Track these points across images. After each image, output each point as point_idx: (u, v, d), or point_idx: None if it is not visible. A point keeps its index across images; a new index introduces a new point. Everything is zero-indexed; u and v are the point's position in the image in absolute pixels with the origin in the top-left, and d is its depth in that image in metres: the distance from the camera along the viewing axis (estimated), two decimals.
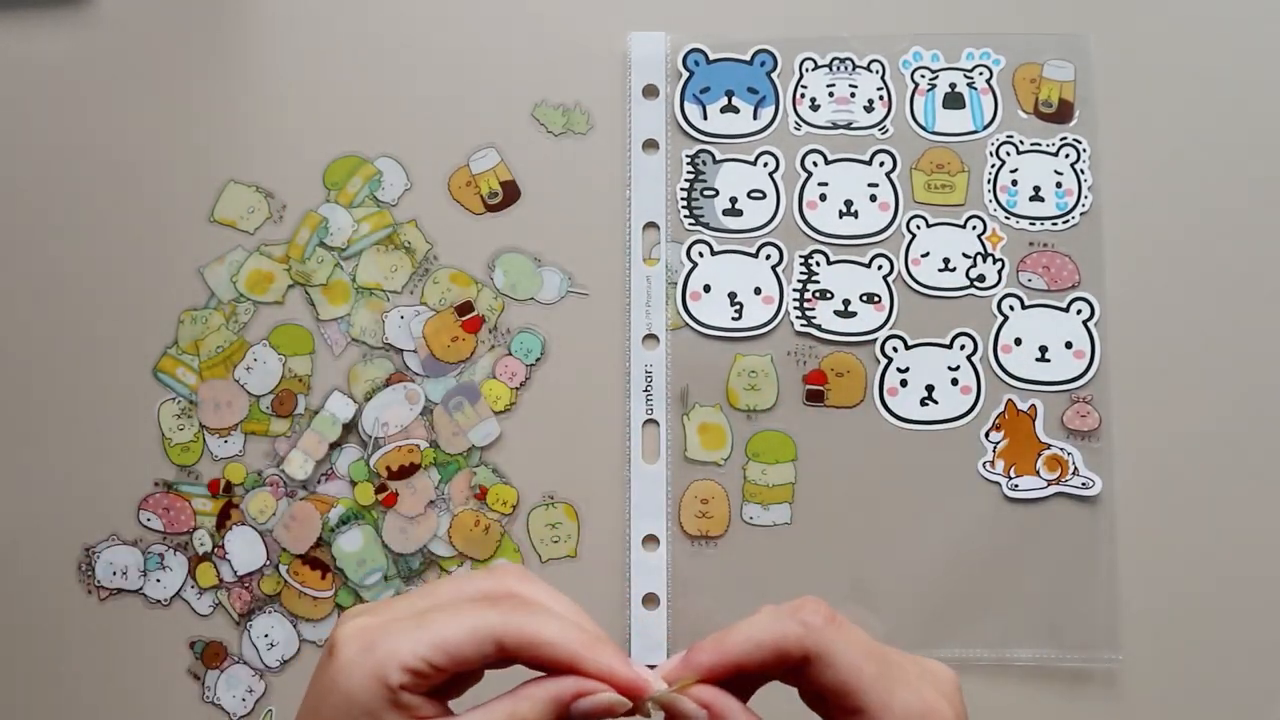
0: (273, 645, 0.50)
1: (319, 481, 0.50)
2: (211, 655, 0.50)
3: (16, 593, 0.50)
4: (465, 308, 0.51)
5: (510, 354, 0.51)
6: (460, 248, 0.52)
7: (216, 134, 0.52)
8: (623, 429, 0.50)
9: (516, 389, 0.51)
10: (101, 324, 0.51)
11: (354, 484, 0.50)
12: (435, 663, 0.34)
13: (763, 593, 0.49)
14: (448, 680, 0.36)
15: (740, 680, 0.37)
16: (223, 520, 0.50)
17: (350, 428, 0.50)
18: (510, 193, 0.52)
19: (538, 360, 0.51)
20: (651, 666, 0.36)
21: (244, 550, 0.50)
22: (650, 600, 0.49)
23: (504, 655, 0.35)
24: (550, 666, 0.35)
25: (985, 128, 0.52)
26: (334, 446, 0.50)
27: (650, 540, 0.50)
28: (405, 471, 0.50)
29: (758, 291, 0.51)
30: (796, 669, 0.35)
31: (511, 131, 0.52)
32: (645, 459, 0.50)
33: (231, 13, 0.53)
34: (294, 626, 0.50)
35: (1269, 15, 0.53)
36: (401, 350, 0.51)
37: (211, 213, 0.52)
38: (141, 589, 0.50)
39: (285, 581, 0.50)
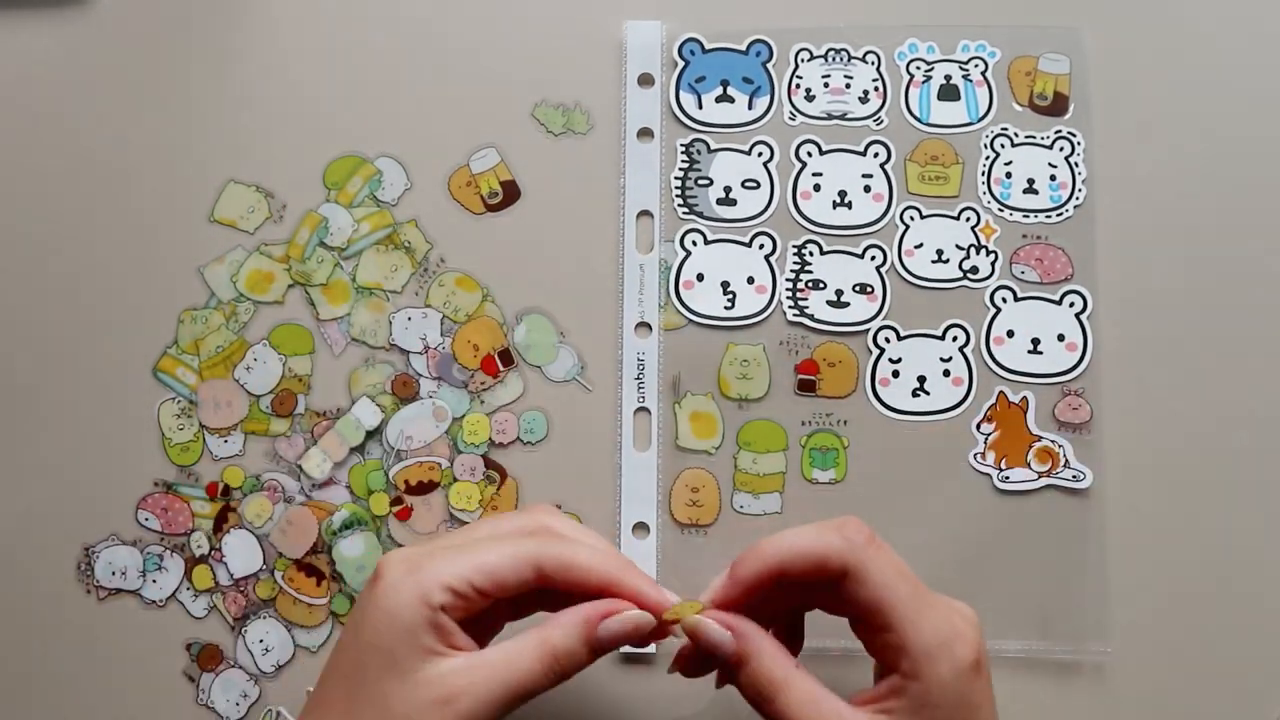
0: (268, 650, 0.50)
1: (316, 488, 0.50)
2: (208, 658, 0.50)
3: (16, 592, 0.50)
4: (506, 356, 0.51)
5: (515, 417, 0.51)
6: (460, 248, 0.52)
7: (216, 134, 0.52)
8: (614, 417, 0.50)
9: (504, 445, 0.51)
10: (101, 324, 0.51)
11: (353, 492, 0.50)
12: (477, 585, 0.36)
13: None
14: (484, 611, 0.37)
15: (771, 603, 0.38)
16: (220, 523, 0.50)
17: (372, 435, 0.50)
18: (510, 193, 0.52)
19: (539, 441, 0.51)
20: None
21: (241, 554, 0.50)
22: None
23: (542, 581, 0.37)
24: (584, 590, 0.37)
25: (980, 120, 0.52)
26: (354, 451, 0.50)
27: (640, 528, 0.50)
28: (424, 488, 0.50)
29: (751, 281, 0.51)
30: (832, 585, 0.36)
31: (511, 131, 0.52)
32: (637, 447, 0.50)
33: (231, 13, 0.53)
34: (289, 632, 0.50)
35: (1265, 9, 0.53)
36: (408, 352, 0.51)
37: (211, 212, 0.52)
38: (139, 590, 0.50)
39: (280, 587, 0.50)
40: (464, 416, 0.51)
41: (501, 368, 0.51)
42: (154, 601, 0.50)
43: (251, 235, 0.52)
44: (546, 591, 0.37)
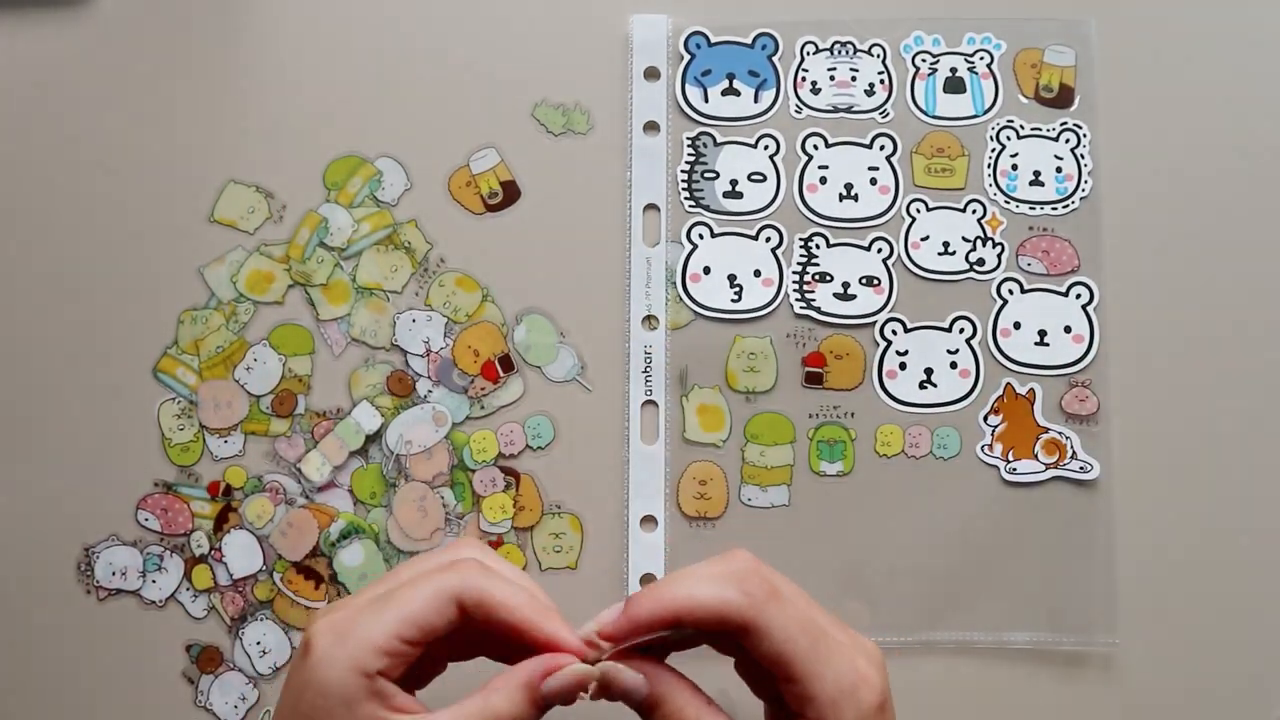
0: (265, 653, 0.50)
1: (316, 491, 0.50)
2: (207, 660, 0.50)
3: (16, 593, 0.50)
4: (506, 362, 0.51)
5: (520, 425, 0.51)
6: (460, 248, 0.52)
7: (216, 134, 0.52)
8: (621, 410, 0.50)
9: (514, 455, 0.51)
10: (101, 324, 0.51)
11: (354, 495, 0.50)
12: (406, 637, 0.35)
13: None
14: (419, 660, 0.36)
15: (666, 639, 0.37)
16: (221, 523, 0.50)
17: (372, 439, 0.50)
18: (510, 193, 0.52)
19: (545, 445, 0.50)
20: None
21: (241, 554, 0.50)
22: (648, 580, 0.49)
23: (463, 616, 0.36)
24: (501, 628, 0.36)
25: (986, 112, 0.52)
26: (353, 455, 0.50)
27: (648, 521, 0.50)
28: None
29: (757, 274, 0.51)
30: (731, 635, 0.36)
31: (511, 131, 0.52)
32: (644, 440, 0.50)
33: (231, 13, 0.53)
34: (286, 635, 0.50)
35: (1270, 3, 0.53)
36: (407, 352, 0.51)
37: (211, 213, 0.52)
38: (139, 590, 0.50)
39: (279, 590, 0.50)
40: (464, 423, 0.50)
41: (502, 373, 0.51)
42: (154, 602, 0.50)
43: (251, 235, 0.52)
44: (479, 631, 0.36)
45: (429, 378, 0.51)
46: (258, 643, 0.50)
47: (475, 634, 0.37)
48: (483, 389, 0.51)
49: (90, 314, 0.51)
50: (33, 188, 0.52)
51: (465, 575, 0.36)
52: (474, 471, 0.50)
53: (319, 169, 0.52)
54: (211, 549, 0.50)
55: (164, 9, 0.53)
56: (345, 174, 0.52)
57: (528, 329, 0.51)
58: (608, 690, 0.37)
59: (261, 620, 0.50)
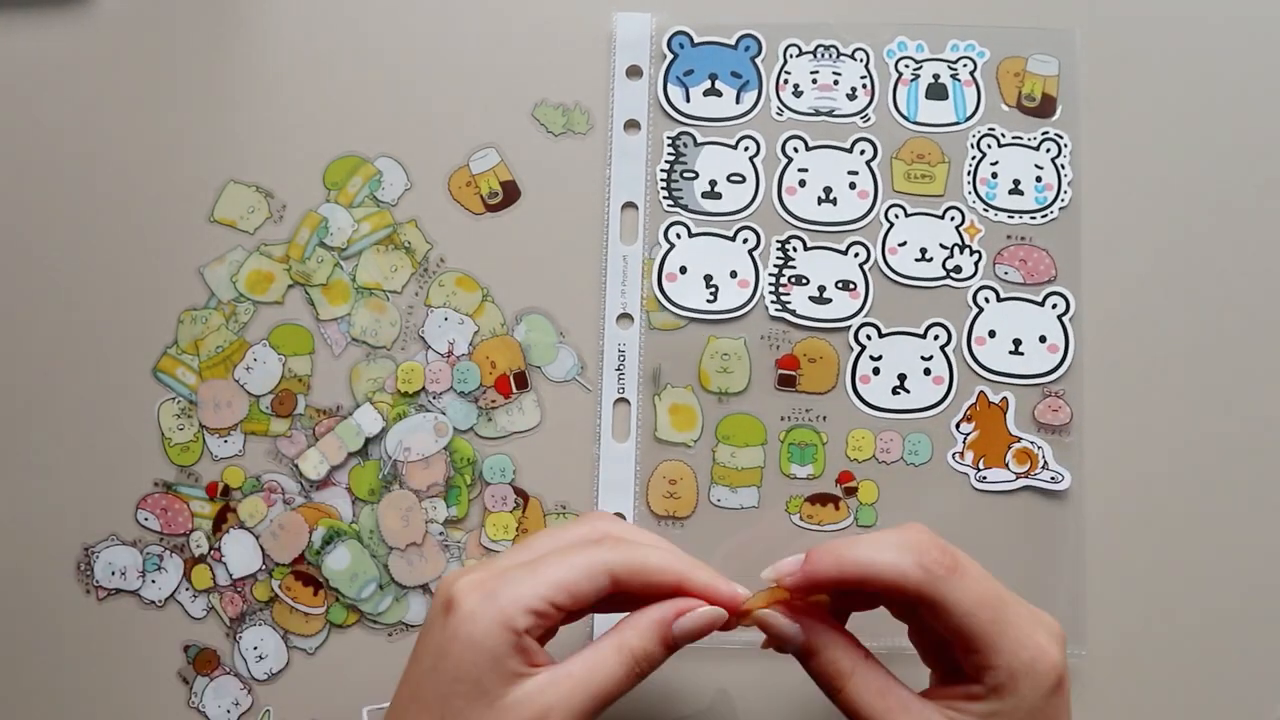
0: (262, 658, 0.50)
1: (314, 488, 0.50)
2: (204, 662, 0.50)
3: (16, 593, 0.50)
4: (521, 379, 0.51)
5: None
6: (460, 248, 0.52)
7: (216, 134, 0.52)
8: (594, 407, 0.50)
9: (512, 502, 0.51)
10: (102, 323, 0.52)
11: (352, 493, 0.50)
12: (558, 602, 0.36)
13: (729, 575, 0.49)
14: (558, 624, 0.38)
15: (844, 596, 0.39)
16: (220, 523, 0.50)
17: (373, 440, 0.51)
18: (510, 193, 0.52)
19: (530, 429, 0.51)
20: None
21: (240, 554, 0.50)
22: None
23: (617, 588, 0.37)
24: (658, 592, 0.38)
25: (967, 119, 0.52)
26: (352, 455, 0.50)
27: (617, 518, 0.50)
28: None
29: (734, 275, 0.51)
30: (908, 604, 0.37)
31: (511, 131, 0.52)
32: (615, 438, 0.50)
33: (231, 12, 0.53)
34: (283, 640, 0.50)
35: (1256, 17, 0.53)
36: (430, 348, 0.51)
37: (211, 213, 0.52)
38: (139, 590, 0.50)
39: (278, 595, 0.50)
40: (468, 432, 0.50)
41: (515, 389, 0.51)
42: (153, 602, 0.50)
43: (251, 235, 0.52)
44: (621, 595, 0.38)
45: (441, 380, 0.51)
46: (255, 647, 0.50)
47: (613, 601, 0.38)
48: (493, 401, 0.50)
49: (90, 314, 0.52)
50: (32, 187, 0.52)
51: (617, 550, 0.38)
52: (489, 485, 0.50)
53: (319, 169, 0.52)
54: (211, 549, 0.50)
55: (164, 9, 0.53)
56: (345, 174, 0.52)
57: (528, 329, 0.51)
58: (766, 634, 0.38)
59: (260, 625, 0.50)
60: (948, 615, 0.36)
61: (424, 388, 0.51)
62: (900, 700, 0.37)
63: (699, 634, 0.38)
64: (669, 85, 0.52)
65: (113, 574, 0.50)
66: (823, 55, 0.52)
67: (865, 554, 0.36)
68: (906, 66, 0.52)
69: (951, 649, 0.38)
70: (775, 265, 0.51)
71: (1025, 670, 0.36)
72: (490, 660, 0.35)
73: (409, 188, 0.52)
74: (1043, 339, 0.50)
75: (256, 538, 0.50)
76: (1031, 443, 0.50)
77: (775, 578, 0.38)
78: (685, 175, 0.52)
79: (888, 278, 0.51)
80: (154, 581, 0.50)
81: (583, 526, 0.40)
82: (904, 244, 0.51)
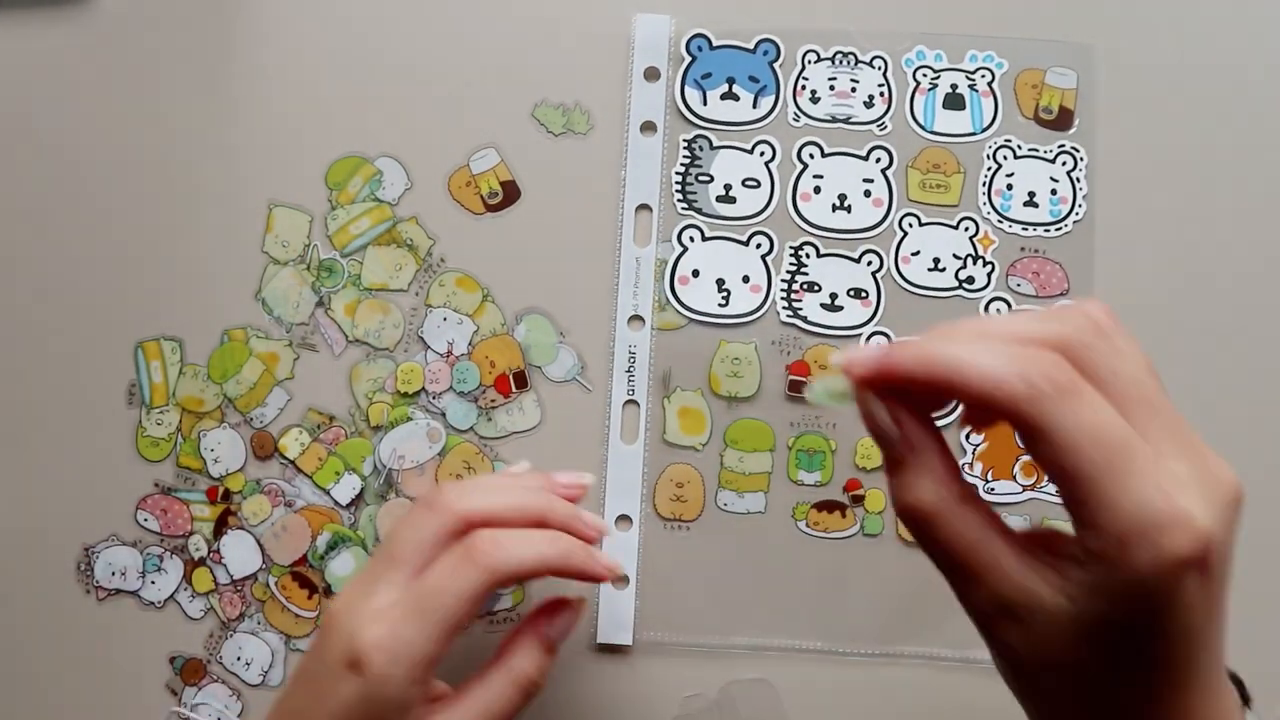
0: (249, 664, 0.50)
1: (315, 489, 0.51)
2: (190, 672, 0.50)
3: (16, 592, 0.50)
4: (521, 378, 0.51)
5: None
6: (461, 248, 0.52)
7: (216, 134, 0.52)
8: (603, 408, 0.50)
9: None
10: (103, 323, 0.52)
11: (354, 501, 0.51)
12: (449, 640, 0.38)
13: (733, 579, 0.49)
14: None
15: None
16: (220, 528, 0.50)
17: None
18: (510, 193, 0.52)
19: (531, 429, 0.51)
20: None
21: (240, 554, 0.50)
22: (620, 579, 0.49)
23: (495, 588, 0.39)
24: (532, 575, 0.40)
25: (984, 130, 0.52)
26: (349, 473, 0.51)
27: (624, 520, 0.50)
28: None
29: (746, 280, 0.51)
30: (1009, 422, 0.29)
31: (511, 131, 0.52)
32: (624, 439, 0.50)
33: (231, 13, 0.53)
34: (278, 642, 0.50)
35: (1274, 34, 0.53)
36: (429, 348, 0.51)
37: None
38: (139, 590, 0.50)
39: (272, 593, 0.50)
40: (467, 431, 0.50)
41: (515, 389, 0.51)
42: (152, 603, 0.50)
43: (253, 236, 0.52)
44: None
45: (441, 380, 0.51)
46: (238, 657, 0.50)
47: None
48: (492, 401, 0.51)
49: (92, 314, 0.52)
50: (32, 187, 0.52)
51: (487, 556, 0.39)
52: None
53: (319, 169, 0.52)
54: (210, 551, 0.50)
55: (164, 9, 0.53)
56: (346, 174, 0.52)
57: (528, 329, 0.51)
58: (866, 419, 0.32)
59: (252, 631, 0.50)
60: (1052, 448, 0.28)
61: (423, 388, 0.51)
62: (991, 554, 0.30)
63: (572, 628, 0.43)
64: (686, 88, 0.52)
65: (113, 574, 0.50)
66: (841, 62, 0.52)
67: (956, 354, 0.29)
68: (924, 76, 0.52)
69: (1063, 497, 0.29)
70: (788, 271, 0.51)
71: (1142, 535, 0.27)
72: (398, 713, 0.38)
73: (409, 187, 0.52)
74: None
75: (257, 539, 0.50)
76: None
77: (845, 364, 0.31)
78: (700, 179, 0.52)
79: (900, 287, 0.51)
80: (154, 583, 0.50)
81: (434, 520, 0.40)
82: (917, 253, 0.51)
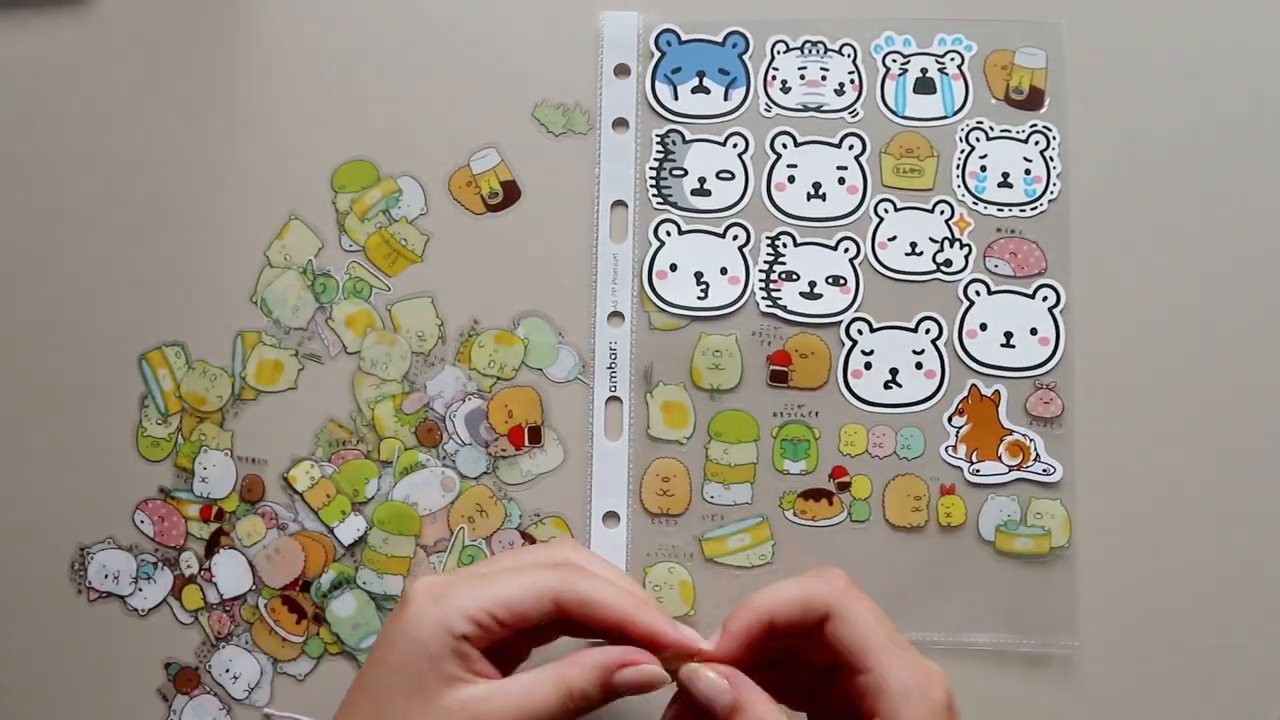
0: (236, 678, 0.50)
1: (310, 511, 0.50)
2: (184, 680, 0.50)
3: (10, 590, 0.50)
4: (535, 433, 0.50)
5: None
6: (461, 248, 0.52)
7: (217, 134, 0.52)
8: (586, 406, 0.50)
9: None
10: (105, 324, 0.52)
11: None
12: (497, 616, 0.37)
13: (722, 570, 0.49)
14: (506, 640, 0.39)
15: (758, 655, 0.39)
16: (212, 546, 0.50)
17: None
18: (510, 193, 0.52)
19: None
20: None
21: (231, 574, 0.50)
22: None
23: (560, 614, 0.38)
24: (601, 626, 0.38)
25: (955, 113, 0.52)
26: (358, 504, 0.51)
27: (611, 517, 0.50)
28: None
29: (724, 272, 0.51)
30: (816, 629, 0.39)
31: (511, 131, 0.52)
32: (608, 436, 0.50)
33: (230, 13, 0.53)
34: (265, 662, 0.50)
35: (1243, 8, 0.53)
36: (438, 394, 0.51)
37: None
38: (128, 596, 0.50)
39: (260, 614, 0.50)
40: (478, 479, 0.50)
41: (528, 443, 0.50)
42: (136, 609, 0.50)
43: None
44: (568, 621, 0.39)
45: (456, 429, 0.50)
46: (229, 670, 0.50)
47: (564, 626, 0.39)
48: (503, 450, 0.50)
49: (93, 314, 0.52)
50: (32, 188, 0.52)
51: (566, 577, 0.38)
52: (497, 530, 0.50)
53: (321, 170, 0.52)
54: (201, 569, 0.50)
55: (164, 9, 0.53)
56: (352, 177, 0.52)
57: (527, 330, 0.51)
58: (691, 693, 0.38)
59: (236, 646, 0.50)
60: (850, 625, 0.38)
61: (440, 443, 0.50)
62: None
63: (639, 689, 0.38)
64: (657, 83, 0.52)
65: (105, 577, 0.50)
66: (810, 51, 0.52)
67: (773, 592, 0.39)
68: (894, 61, 0.52)
69: (849, 677, 0.38)
70: (765, 261, 0.51)
71: (918, 689, 0.37)
72: (429, 660, 0.37)
73: (424, 207, 0.52)
74: (1034, 331, 0.50)
75: (249, 559, 0.50)
76: (1023, 435, 0.50)
77: (703, 650, 0.39)
78: (674, 173, 0.52)
79: (878, 272, 0.51)
80: (142, 591, 0.50)
81: (547, 550, 0.42)
82: (894, 238, 0.51)
